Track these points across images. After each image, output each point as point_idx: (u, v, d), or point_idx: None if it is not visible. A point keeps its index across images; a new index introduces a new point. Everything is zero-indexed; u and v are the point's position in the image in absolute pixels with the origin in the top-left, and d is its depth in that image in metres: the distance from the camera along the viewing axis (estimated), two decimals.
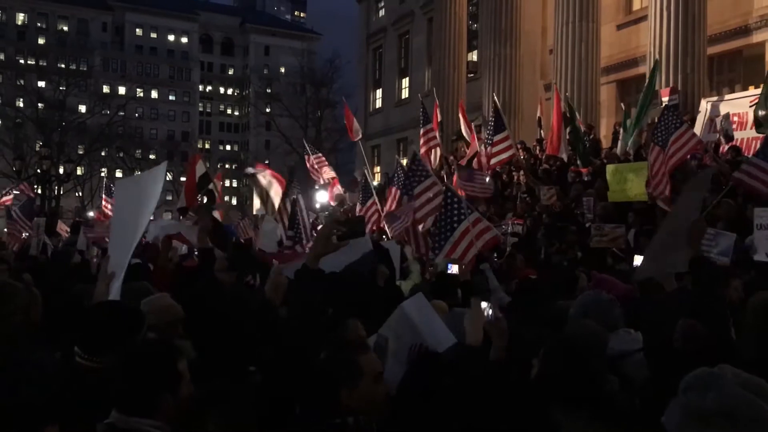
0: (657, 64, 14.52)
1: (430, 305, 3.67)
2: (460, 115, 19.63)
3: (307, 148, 19.86)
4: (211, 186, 13.27)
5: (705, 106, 13.69)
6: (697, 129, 12.89)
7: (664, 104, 13.69)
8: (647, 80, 14.71)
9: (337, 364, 2.52)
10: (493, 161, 15.12)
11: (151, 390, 2.27)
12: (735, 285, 5.40)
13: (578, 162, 15.04)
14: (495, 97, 17.93)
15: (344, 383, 2.44)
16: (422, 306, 3.61)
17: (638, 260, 7.20)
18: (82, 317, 2.89)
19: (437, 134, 17.98)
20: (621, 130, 15.07)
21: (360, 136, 18.53)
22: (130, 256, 4.03)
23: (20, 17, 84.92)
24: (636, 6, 20.87)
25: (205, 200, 13.48)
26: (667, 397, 1.86)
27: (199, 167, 12.79)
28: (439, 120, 19.48)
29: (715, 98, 14.30)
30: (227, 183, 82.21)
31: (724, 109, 13.19)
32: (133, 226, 4.21)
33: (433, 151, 17.74)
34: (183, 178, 14.39)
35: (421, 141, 17.59)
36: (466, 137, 19.23)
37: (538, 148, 18.13)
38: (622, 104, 18.25)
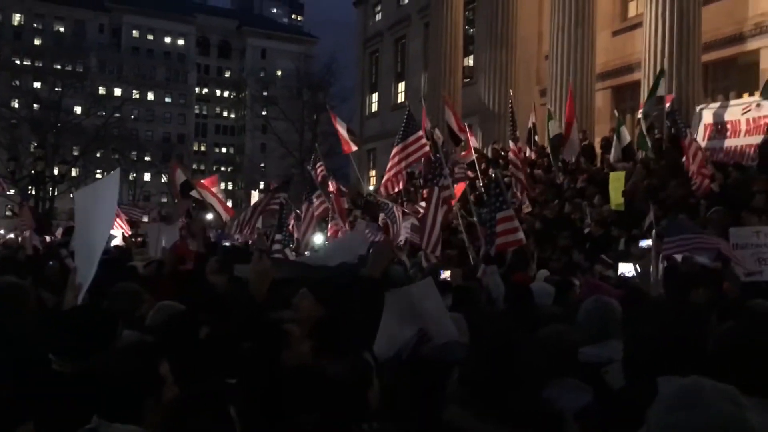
0: (663, 72, 14.65)
1: (438, 293, 3.62)
2: (453, 115, 19.55)
3: (318, 155, 19.03)
4: (193, 192, 13.26)
5: (699, 113, 13.77)
6: None
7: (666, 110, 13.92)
8: (651, 87, 14.74)
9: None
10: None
11: (132, 395, 2.22)
12: (701, 292, 5.41)
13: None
14: (511, 92, 18.01)
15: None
16: (430, 292, 3.56)
17: (623, 267, 7.20)
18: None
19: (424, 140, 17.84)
20: (614, 137, 15.13)
21: (354, 148, 18.23)
22: (95, 266, 3.98)
23: (16, 18, 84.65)
24: (631, 12, 20.96)
25: (193, 206, 13.48)
26: (641, 404, 1.82)
27: (179, 175, 12.75)
28: (428, 126, 19.40)
29: (708, 105, 14.36)
30: (222, 185, 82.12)
31: (716, 116, 13.26)
32: (96, 236, 4.16)
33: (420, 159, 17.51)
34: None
35: (411, 149, 17.14)
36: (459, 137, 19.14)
37: (533, 153, 18.17)
38: (615, 111, 18.33)
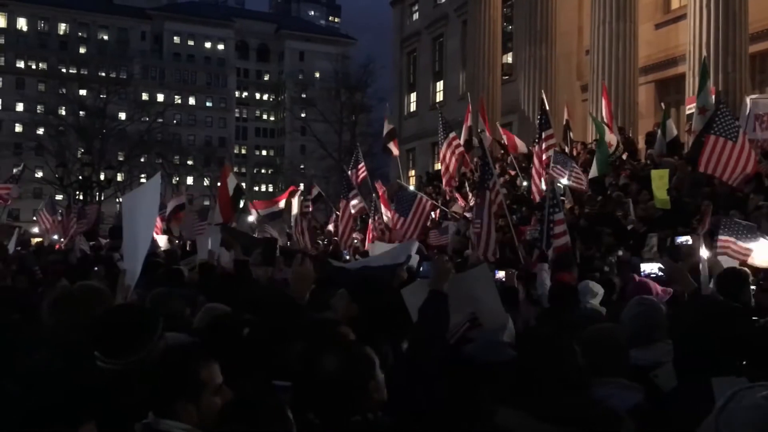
0: (705, 65, 14.20)
1: (492, 280, 3.64)
2: (483, 118, 19.56)
3: (359, 155, 19.13)
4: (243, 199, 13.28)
5: (748, 103, 13.37)
6: None
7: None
8: (699, 83, 14.29)
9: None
10: (545, 156, 14.76)
11: (167, 397, 2.30)
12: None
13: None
14: (543, 95, 17.58)
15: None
16: (485, 278, 3.59)
17: (646, 266, 7.02)
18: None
19: (462, 141, 17.91)
20: (658, 132, 14.79)
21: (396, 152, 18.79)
22: (141, 266, 4.17)
23: (62, 27, 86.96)
24: (675, 4, 20.51)
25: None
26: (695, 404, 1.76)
27: (231, 180, 12.52)
28: (469, 124, 19.31)
29: (757, 96, 13.94)
30: (263, 188, 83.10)
31: (766, 106, 12.87)
32: (141, 238, 4.39)
33: (460, 157, 17.57)
34: (219, 183, 14.29)
35: (448, 153, 17.15)
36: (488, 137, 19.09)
37: (574, 150, 17.92)
38: (662, 104, 17.91)
